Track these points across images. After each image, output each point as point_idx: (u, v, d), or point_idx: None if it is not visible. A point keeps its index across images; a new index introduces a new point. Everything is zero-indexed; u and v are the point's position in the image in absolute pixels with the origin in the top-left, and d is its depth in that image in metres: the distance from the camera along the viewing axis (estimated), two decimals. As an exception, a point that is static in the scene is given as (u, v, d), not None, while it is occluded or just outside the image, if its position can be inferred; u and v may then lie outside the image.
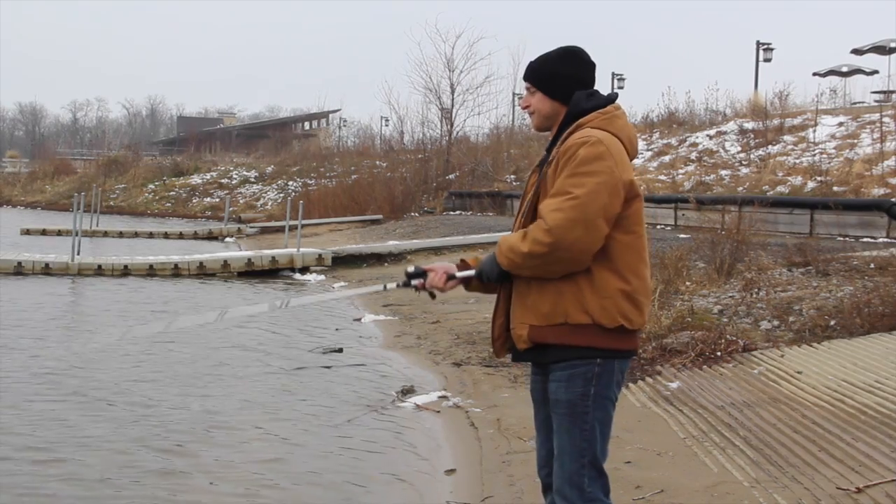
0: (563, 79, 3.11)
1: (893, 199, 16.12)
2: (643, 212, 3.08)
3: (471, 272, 3.16)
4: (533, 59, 3.22)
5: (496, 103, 66.61)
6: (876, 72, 30.73)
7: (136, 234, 31.45)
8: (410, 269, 3.23)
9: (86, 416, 6.97)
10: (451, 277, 3.16)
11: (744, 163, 22.55)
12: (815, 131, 22.08)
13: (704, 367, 7.38)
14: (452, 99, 36.40)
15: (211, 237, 31.95)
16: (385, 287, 3.47)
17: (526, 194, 3.17)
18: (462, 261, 3.21)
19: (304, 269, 18.61)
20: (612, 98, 3.12)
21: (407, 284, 3.24)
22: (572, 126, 3.04)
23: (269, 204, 44.03)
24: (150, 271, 17.82)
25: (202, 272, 18.05)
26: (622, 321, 2.93)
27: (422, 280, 3.20)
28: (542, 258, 2.87)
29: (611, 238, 2.91)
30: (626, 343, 3.01)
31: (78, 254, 17.94)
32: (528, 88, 3.18)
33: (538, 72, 3.15)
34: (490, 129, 39.75)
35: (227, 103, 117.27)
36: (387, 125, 48.73)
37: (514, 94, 41.85)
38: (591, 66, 3.15)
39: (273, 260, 18.76)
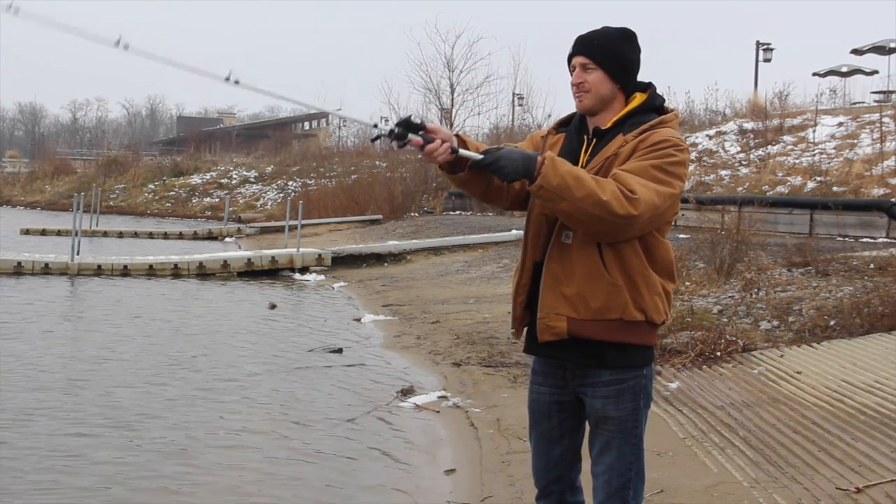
0: (627, 62, 2.91)
1: (893, 199, 16.12)
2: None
3: (475, 155, 2.73)
4: (587, 32, 2.95)
5: (496, 103, 66.63)
6: (876, 72, 30.75)
7: (135, 234, 31.44)
8: (416, 119, 2.70)
9: (79, 417, 6.99)
10: (453, 151, 2.74)
11: (743, 163, 22.54)
12: (814, 131, 22.06)
13: (704, 367, 7.38)
14: (452, 99, 36.48)
15: (211, 237, 31.93)
16: (376, 126, 2.79)
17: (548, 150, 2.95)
18: (458, 136, 2.80)
19: (304, 269, 18.61)
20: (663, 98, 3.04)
21: (401, 137, 2.69)
22: (655, 120, 2.87)
23: (269, 204, 44.01)
24: (150, 271, 17.82)
25: (202, 272, 18.05)
26: (664, 317, 2.89)
27: (420, 140, 2.69)
28: (611, 217, 2.65)
29: (654, 237, 2.85)
30: (657, 339, 3.02)
31: (77, 254, 17.94)
32: (583, 65, 2.89)
33: (603, 49, 2.89)
34: (490, 129, 39.78)
35: (227, 103, 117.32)
36: (386, 125, 48.72)
37: (513, 94, 41.91)
38: (640, 52, 2.99)
39: (273, 260, 18.77)
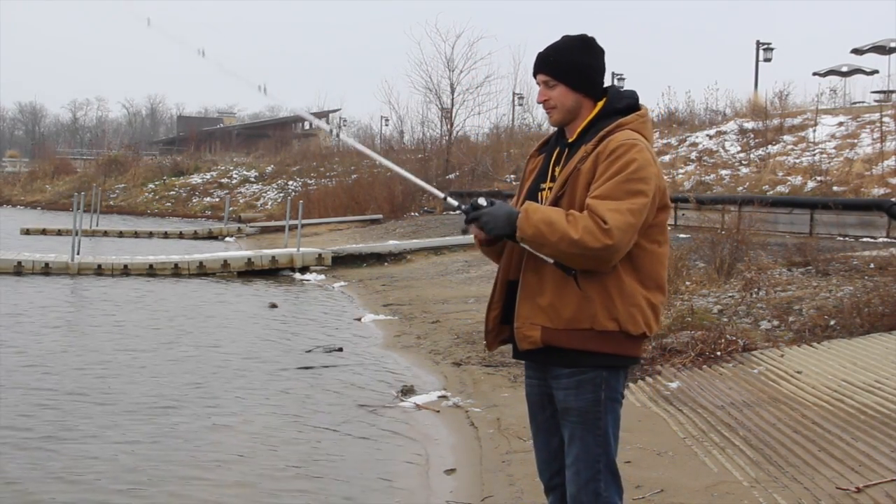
0: (586, 69, 2.94)
1: (893, 199, 16.10)
2: (667, 222, 2.98)
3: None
4: (544, 49, 3.00)
5: (496, 103, 66.60)
6: (876, 72, 30.80)
7: (136, 234, 31.44)
8: (483, 202, 2.87)
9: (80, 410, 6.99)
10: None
11: (744, 162, 22.53)
12: (814, 131, 22.06)
13: (704, 366, 7.38)
14: (452, 98, 36.48)
15: (211, 237, 31.93)
16: (459, 207, 2.99)
17: (526, 180, 3.08)
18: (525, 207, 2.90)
19: (304, 269, 18.61)
20: (636, 97, 3.00)
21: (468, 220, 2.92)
22: (613, 124, 2.89)
23: (269, 203, 44.02)
24: (150, 271, 17.82)
25: (202, 272, 18.05)
26: (645, 329, 2.88)
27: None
28: (589, 251, 2.72)
29: (639, 247, 2.84)
30: (641, 349, 3.01)
31: (78, 253, 17.95)
32: (545, 82, 2.97)
33: (559, 63, 2.94)
34: (490, 129, 39.81)
35: (227, 102, 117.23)
36: (387, 125, 48.80)
37: (514, 93, 41.90)
38: (604, 55, 3.01)
39: (273, 259, 18.77)
